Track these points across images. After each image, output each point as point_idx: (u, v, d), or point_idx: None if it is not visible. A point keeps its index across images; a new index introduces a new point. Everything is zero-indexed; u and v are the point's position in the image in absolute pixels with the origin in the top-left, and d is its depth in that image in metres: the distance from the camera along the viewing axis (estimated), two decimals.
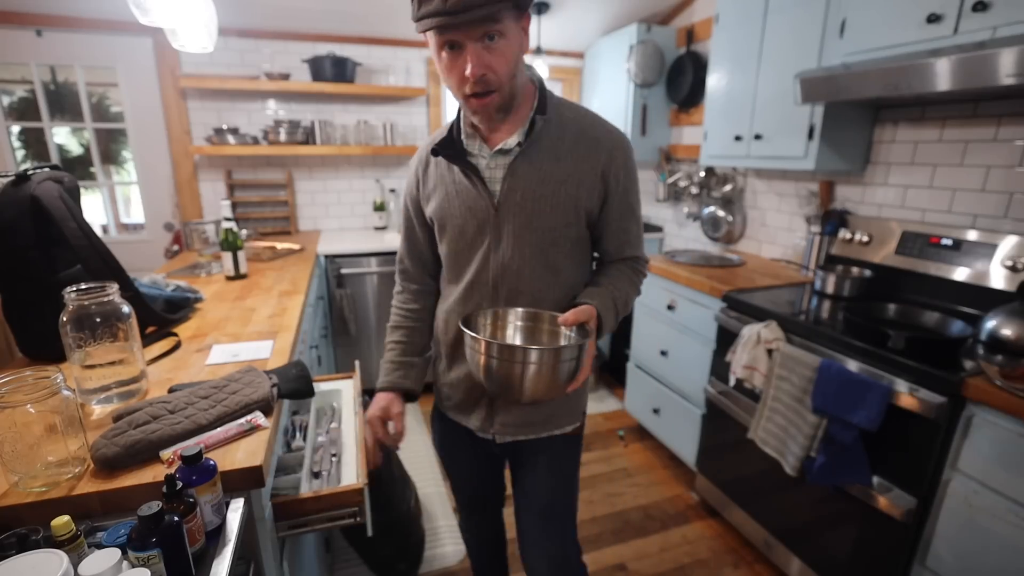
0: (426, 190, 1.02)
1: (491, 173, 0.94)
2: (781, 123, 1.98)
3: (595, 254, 1.09)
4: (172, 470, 0.76)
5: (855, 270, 1.91)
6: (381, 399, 1.10)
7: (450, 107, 3.35)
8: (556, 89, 3.56)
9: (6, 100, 2.68)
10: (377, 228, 3.27)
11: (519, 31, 0.84)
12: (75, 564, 0.56)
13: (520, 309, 0.98)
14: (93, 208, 2.95)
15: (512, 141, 0.92)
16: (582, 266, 1.04)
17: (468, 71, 0.80)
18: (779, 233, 2.44)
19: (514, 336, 0.99)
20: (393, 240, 2.96)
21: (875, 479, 1.39)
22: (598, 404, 2.98)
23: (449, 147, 0.96)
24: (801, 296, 1.90)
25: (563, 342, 0.95)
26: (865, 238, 1.92)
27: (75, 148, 2.92)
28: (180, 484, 0.67)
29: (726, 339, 1.88)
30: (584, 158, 0.94)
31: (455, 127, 0.98)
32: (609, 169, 0.95)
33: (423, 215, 1.06)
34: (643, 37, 2.83)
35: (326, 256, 2.71)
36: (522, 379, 0.82)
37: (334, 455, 1.14)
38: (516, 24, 0.83)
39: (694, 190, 2.86)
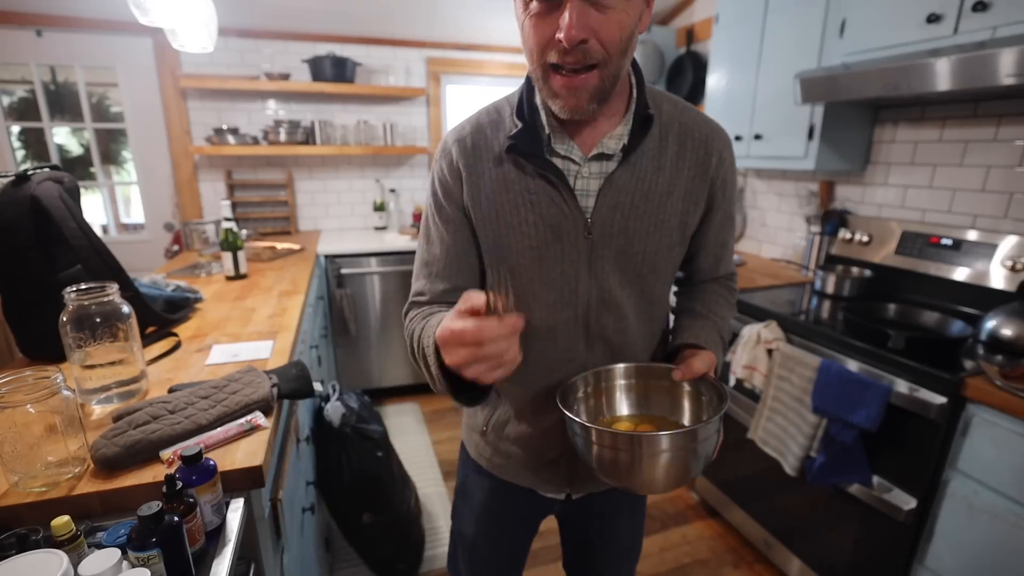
0: (473, 192, 0.75)
1: (584, 183, 0.73)
2: (781, 123, 1.98)
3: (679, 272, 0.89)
4: (172, 470, 0.76)
5: (855, 270, 1.91)
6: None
7: (451, 107, 3.35)
8: None
9: (6, 100, 2.68)
10: (377, 228, 3.27)
11: None
12: (75, 564, 0.56)
13: (622, 366, 0.79)
14: (93, 208, 2.95)
15: (613, 144, 0.72)
16: (669, 289, 0.86)
17: (562, 32, 0.58)
18: (779, 233, 2.44)
19: (623, 404, 0.80)
20: (394, 240, 2.95)
21: (875, 479, 1.39)
22: None
23: (529, 143, 0.71)
24: (801, 296, 1.90)
25: (686, 404, 0.77)
26: (865, 238, 1.92)
27: (75, 148, 2.92)
28: (180, 484, 0.67)
29: None
30: (692, 164, 0.75)
31: (527, 114, 0.72)
32: (718, 175, 0.78)
33: (470, 225, 0.78)
34: (643, 37, 2.83)
35: (326, 256, 2.71)
36: (654, 471, 0.64)
37: None
38: None
39: None
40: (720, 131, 0.78)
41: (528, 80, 0.74)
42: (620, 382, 0.79)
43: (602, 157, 0.72)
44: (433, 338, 0.65)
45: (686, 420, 0.77)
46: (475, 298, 0.55)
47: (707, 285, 0.90)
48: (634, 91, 0.74)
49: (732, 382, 1.84)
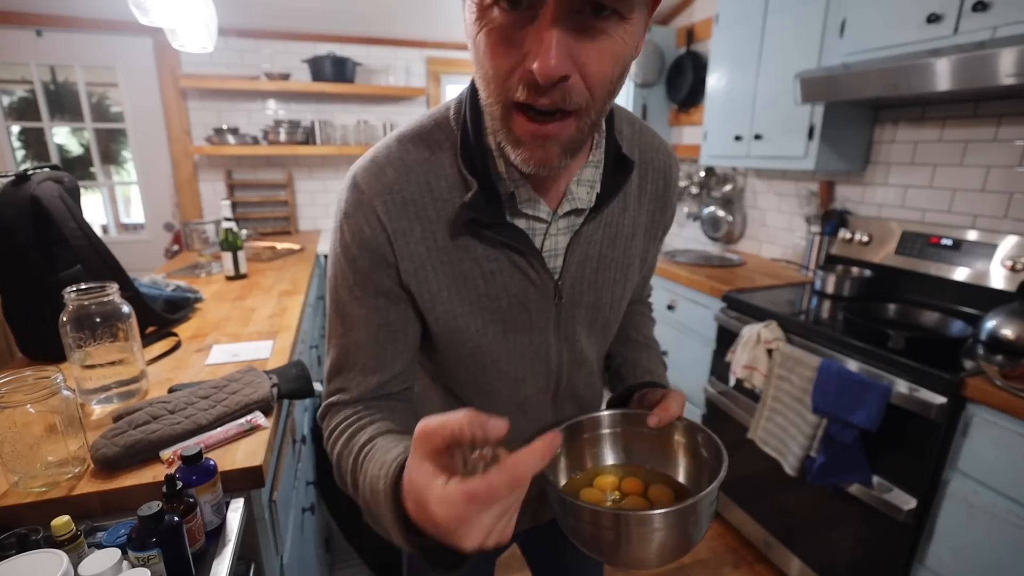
0: (411, 264, 0.57)
1: (552, 243, 0.60)
2: (781, 123, 1.98)
3: None
4: (172, 470, 0.76)
5: (855, 270, 1.91)
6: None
7: None
8: None
9: (6, 100, 2.68)
10: None
11: (644, 20, 0.47)
12: (75, 564, 0.56)
13: (603, 414, 0.70)
14: (93, 208, 2.95)
15: (585, 194, 0.59)
16: None
17: (537, 63, 0.41)
18: (779, 233, 2.44)
19: (607, 453, 0.71)
20: None
21: (875, 479, 1.39)
22: None
23: (489, 210, 0.55)
24: (801, 296, 1.90)
25: (676, 456, 0.68)
26: (865, 238, 1.92)
27: (75, 148, 2.92)
28: (180, 484, 0.67)
29: (726, 339, 1.88)
30: (653, 199, 0.66)
31: (477, 162, 0.55)
32: (673, 199, 0.70)
33: (405, 307, 0.60)
34: None
35: (326, 256, 2.71)
36: (653, 547, 0.56)
37: None
38: (644, 10, 0.46)
39: (694, 190, 2.86)
40: (673, 153, 0.70)
41: (472, 98, 0.55)
42: (603, 432, 0.71)
43: (573, 212, 0.59)
44: (387, 485, 0.46)
45: (679, 472, 0.68)
46: (436, 432, 0.39)
47: (633, 308, 0.83)
48: (602, 122, 0.59)
49: (732, 382, 1.84)
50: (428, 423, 0.40)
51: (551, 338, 0.64)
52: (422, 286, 0.58)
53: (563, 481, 0.67)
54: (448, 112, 0.58)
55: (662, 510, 0.52)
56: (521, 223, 0.58)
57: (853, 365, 1.42)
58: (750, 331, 1.71)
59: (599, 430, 0.70)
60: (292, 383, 1.05)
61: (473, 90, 0.55)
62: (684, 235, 3.10)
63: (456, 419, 0.39)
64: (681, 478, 0.67)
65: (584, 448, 0.70)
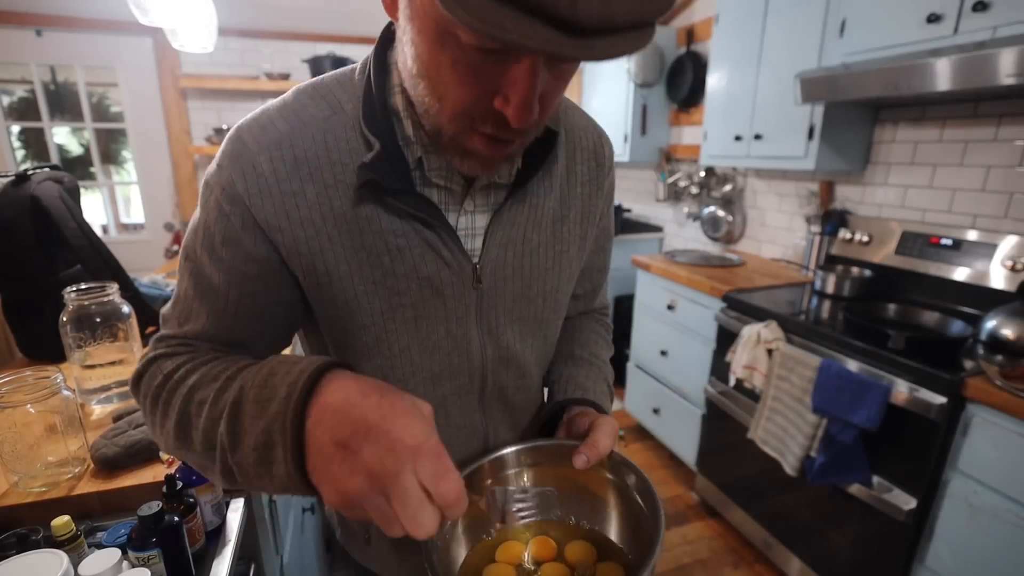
0: (301, 232, 0.49)
1: (468, 221, 0.55)
2: (781, 123, 1.98)
3: None
4: (172, 470, 0.76)
5: (855, 270, 1.91)
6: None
7: None
8: None
9: (6, 100, 2.68)
10: None
11: None
12: (75, 564, 0.56)
13: (513, 450, 0.57)
14: (93, 208, 2.95)
15: (505, 169, 0.54)
16: None
17: (514, 109, 0.39)
18: (779, 233, 2.44)
19: (531, 509, 0.53)
20: None
21: (875, 479, 1.39)
22: None
23: (393, 175, 0.49)
24: (801, 296, 1.90)
25: (606, 501, 0.57)
26: (865, 238, 1.92)
27: (75, 148, 2.92)
28: (180, 484, 0.68)
29: (726, 339, 1.88)
30: (585, 180, 0.62)
31: (380, 124, 0.49)
32: (610, 187, 0.66)
33: (281, 281, 0.52)
34: None
35: None
36: None
37: None
38: None
39: (694, 190, 2.86)
40: (605, 134, 0.65)
41: (377, 56, 0.51)
42: (512, 471, 0.57)
43: (491, 187, 0.54)
44: (309, 374, 0.39)
45: (611, 528, 0.56)
46: None
47: (582, 321, 0.75)
48: None
49: (732, 382, 1.84)
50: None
51: (472, 331, 0.57)
52: (316, 258, 0.50)
53: (463, 555, 0.52)
54: (353, 73, 0.52)
55: None
56: (433, 195, 0.53)
57: (853, 365, 1.42)
58: (750, 331, 1.71)
59: (505, 471, 0.56)
60: None
61: (378, 48, 0.51)
62: (684, 235, 3.10)
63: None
64: (612, 533, 0.55)
65: (490, 497, 0.53)
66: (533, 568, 0.52)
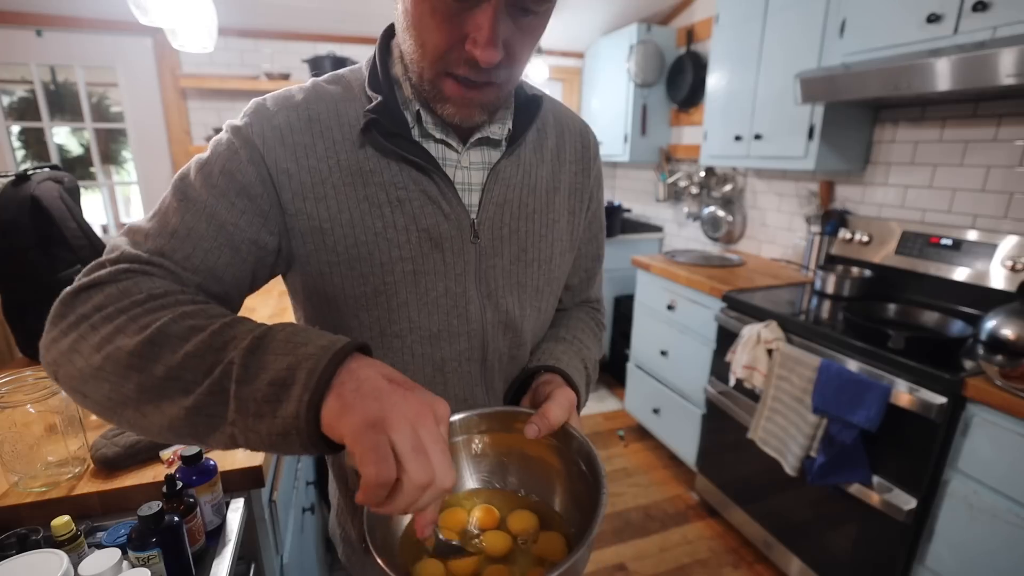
0: (310, 182, 0.54)
1: (464, 176, 0.59)
2: (781, 123, 1.98)
3: None
4: (172, 470, 0.76)
5: (855, 270, 1.91)
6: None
7: None
8: (556, 89, 3.57)
9: (6, 100, 2.68)
10: None
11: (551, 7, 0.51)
12: (75, 564, 0.56)
13: (464, 415, 0.56)
14: (93, 208, 2.95)
15: (498, 129, 0.59)
16: None
17: (480, 49, 0.46)
18: (779, 233, 2.44)
19: (467, 472, 0.57)
20: None
21: (875, 479, 1.39)
22: (598, 404, 2.97)
23: (393, 120, 0.54)
24: (801, 296, 1.90)
25: (553, 469, 0.56)
26: (865, 238, 1.92)
27: (75, 148, 2.92)
28: (180, 484, 0.68)
29: (726, 339, 1.88)
30: (573, 159, 0.67)
31: (383, 86, 0.55)
32: (598, 171, 0.71)
33: (264, 224, 0.53)
34: (643, 37, 2.83)
35: None
36: None
37: None
38: None
39: (694, 190, 2.86)
40: (589, 128, 0.71)
41: (383, 43, 0.59)
42: (460, 438, 0.56)
43: (485, 143, 0.59)
44: (341, 346, 0.40)
45: (555, 494, 0.55)
46: None
47: (573, 311, 0.76)
48: None
49: (732, 382, 1.84)
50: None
51: (471, 290, 0.59)
52: (319, 204, 0.53)
53: (406, 521, 0.51)
54: (357, 66, 0.61)
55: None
56: (431, 147, 0.57)
57: (853, 365, 1.42)
58: (750, 331, 1.71)
59: (455, 437, 0.56)
60: None
61: (383, 36, 0.60)
62: (684, 235, 3.10)
63: None
64: (558, 503, 0.55)
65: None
66: (476, 533, 0.53)
